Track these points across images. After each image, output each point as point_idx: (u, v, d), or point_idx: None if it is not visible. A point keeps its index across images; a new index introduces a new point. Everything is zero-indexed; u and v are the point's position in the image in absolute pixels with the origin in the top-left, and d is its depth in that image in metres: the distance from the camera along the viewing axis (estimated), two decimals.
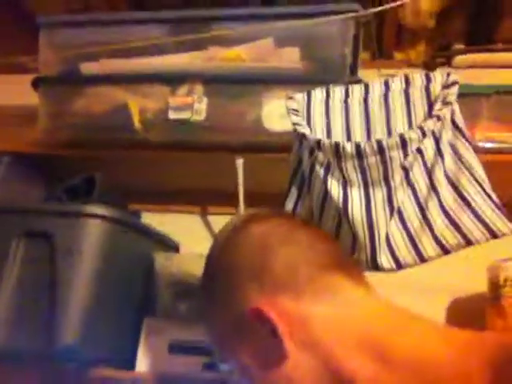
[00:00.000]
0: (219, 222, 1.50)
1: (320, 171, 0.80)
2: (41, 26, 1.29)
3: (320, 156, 0.79)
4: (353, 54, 1.19)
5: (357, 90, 0.84)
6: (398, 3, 1.17)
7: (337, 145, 0.77)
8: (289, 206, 0.89)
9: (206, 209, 1.48)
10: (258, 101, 1.17)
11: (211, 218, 1.48)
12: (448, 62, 1.38)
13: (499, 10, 1.33)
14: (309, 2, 1.24)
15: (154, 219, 1.42)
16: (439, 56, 1.35)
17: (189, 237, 1.44)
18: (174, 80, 1.23)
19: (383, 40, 1.53)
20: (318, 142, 0.79)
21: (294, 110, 0.85)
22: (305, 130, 0.82)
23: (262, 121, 1.17)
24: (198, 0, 1.43)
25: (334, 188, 0.78)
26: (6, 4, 1.58)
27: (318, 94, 0.87)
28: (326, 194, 0.81)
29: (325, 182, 0.80)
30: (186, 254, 1.37)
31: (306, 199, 0.87)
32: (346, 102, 0.83)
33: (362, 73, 1.25)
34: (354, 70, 1.15)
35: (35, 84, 1.31)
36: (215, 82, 1.20)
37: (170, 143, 1.25)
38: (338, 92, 0.86)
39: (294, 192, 0.89)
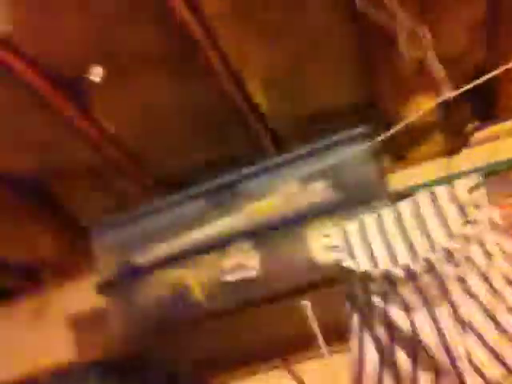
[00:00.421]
0: (304, 369, 1.50)
1: (378, 302, 0.79)
2: (92, 231, 1.42)
3: (374, 287, 0.79)
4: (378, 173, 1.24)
5: (388, 213, 0.86)
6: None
7: (387, 272, 0.76)
8: (353, 345, 0.85)
9: (287, 361, 1.45)
10: (304, 240, 1.21)
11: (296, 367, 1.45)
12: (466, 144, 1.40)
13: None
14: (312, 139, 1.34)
15: None
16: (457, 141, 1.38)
17: None
18: (220, 245, 1.29)
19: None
20: (369, 274, 0.79)
21: (334, 246, 0.87)
22: (351, 264, 0.82)
23: (313, 257, 1.20)
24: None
25: (399, 317, 0.76)
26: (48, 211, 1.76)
27: (353, 225, 0.88)
28: (390, 324, 0.78)
29: (386, 312, 0.78)
30: None
31: (369, 335, 0.83)
32: (381, 226, 0.85)
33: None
34: (381, 188, 1.19)
35: (100, 291, 1.39)
36: (260, 236, 1.25)
37: (232, 306, 1.28)
38: (370, 219, 0.87)
39: (355, 329, 0.85)
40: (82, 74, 1.22)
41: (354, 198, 1.18)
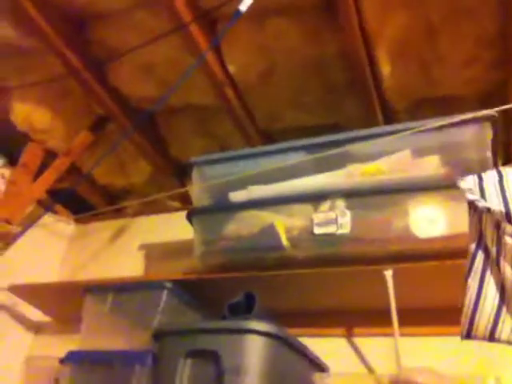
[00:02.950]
0: (365, 343, 1.50)
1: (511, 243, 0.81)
2: (194, 164, 1.47)
3: (508, 228, 0.81)
4: (493, 158, 1.21)
5: None
6: None
7: None
8: (473, 283, 0.87)
9: (351, 330, 1.44)
10: (404, 210, 1.20)
11: (357, 340, 1.43)
12: None
13: None
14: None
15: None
16: None
17: (335, 359, 1.40)
18: (316, 198, 1.31)
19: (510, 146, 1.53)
20: (508, 214, 0.81)
21: (469, 189, 0.88)
22: (488, 204, 0.84)
23: (410, 229, 1.18)
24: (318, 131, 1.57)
25: None
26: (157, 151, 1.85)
27: (490, 175, 0.89)
28: None
29: None
30: (340, 375, 1.32)
31: (493, 273, 0.86)
32: None
33: None
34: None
35: (189, 216, 1.46)
36: (357, 196, 1.25)
37: (317, 258, 1.29)
38: (510, 172, 0.87)
39: (477, 267, 0.87)
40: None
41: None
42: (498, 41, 1.32)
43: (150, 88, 1.61)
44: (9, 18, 1.43)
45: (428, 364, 1.28)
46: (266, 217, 1.34)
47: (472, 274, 0.87)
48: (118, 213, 2.10)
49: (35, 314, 1.87)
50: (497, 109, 1.09)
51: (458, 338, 1.28)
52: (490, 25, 1.29)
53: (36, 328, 1.91)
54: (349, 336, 1.44)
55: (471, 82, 1.40)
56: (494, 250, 0.84)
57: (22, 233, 1.68)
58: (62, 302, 1.72)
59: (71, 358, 1.35)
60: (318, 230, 1.26)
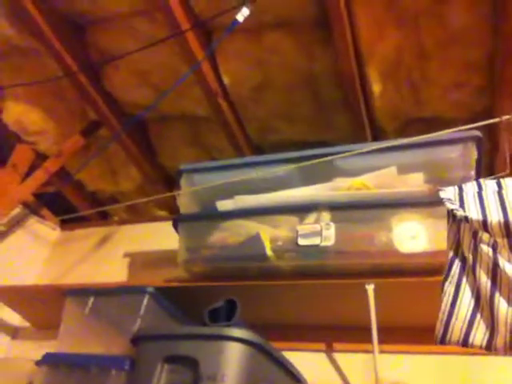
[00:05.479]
0: (344, 359, 1.49)
1: (487, 251, 0.83)
2: (183, 172, 1.48)
3: (485, 236, 0.83)
4: (476, 177, 1.23)
5: (510, 183, 0.89)
6: None
7: (507, 223, 0.81)
8: (449, 289, 0.89)
9: (331, 345, 1.43)
10: (387, 224, 1.21)
11: (336, 356, 1.42)
12: None
13: None
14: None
15: None
16: None
17: (314, 373, 1.39)
18: (301, 210, 1.32)
19: (495, 168, 1.56)
20: (485, 223, 0.83)
21: (448, 199, 0.91)
22: (466, 213, 0.87)
23: (393, 243, 1.19)
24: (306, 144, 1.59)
25: (508, 268, 0.81)
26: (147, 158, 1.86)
27: (470, 186, 0.92)
28: (495, 272, 0.83)
29: (495, 261, 0.82)
30: None
31: (469, 280, 0.88)
32: (499, 193, 0.87)
33: None
34: None
35: (175, 223, 1.46)
36: (343, 209, 1.27)
37: (300, 270, 1.29)
38: (490, 184, 0.91)
39: (454, 274, 0.89)
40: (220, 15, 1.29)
41: None
42: (486, 67, 1.36)
43: (145, 94, 1.63)
44: (8, 16, 1.45)
45: (406, 381, 1.29)
46: (251, 226, 1.34)
47: (449, 280, 0.89)
48: (105, 220, 2.10)
49: (13, 318, 1.84)
50: (477, 124, 1.11)
51: (437, 357, 1.30)
52: (478, 51, 1.33)
53: (13, 332, 1.88)
54: (328, 351, 1.43)
55: (458, 106, 1.44)
56: (470, 258, 0.87)
57: (5, 233, 1.66)
58: (42, 306, 1.69)
59: (47, 360, 1.32)
60: (302, 242, 1.27)
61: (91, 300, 1.38)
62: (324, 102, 1.53)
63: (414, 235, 1.17)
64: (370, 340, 1.21)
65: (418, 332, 1.26)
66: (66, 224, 2.12)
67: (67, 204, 2.10)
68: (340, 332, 1.40)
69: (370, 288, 1.22)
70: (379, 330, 1.20)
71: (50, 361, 1.31)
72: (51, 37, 1.49)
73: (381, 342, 1.21)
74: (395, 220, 1.21)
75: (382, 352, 1.22)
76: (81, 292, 1.43)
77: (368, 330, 1.21)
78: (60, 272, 1.99)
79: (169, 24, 1.38)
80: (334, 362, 1.42)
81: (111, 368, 1.21)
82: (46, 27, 1.47)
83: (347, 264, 1.24)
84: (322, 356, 1.43)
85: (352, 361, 1.39)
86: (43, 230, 2.10)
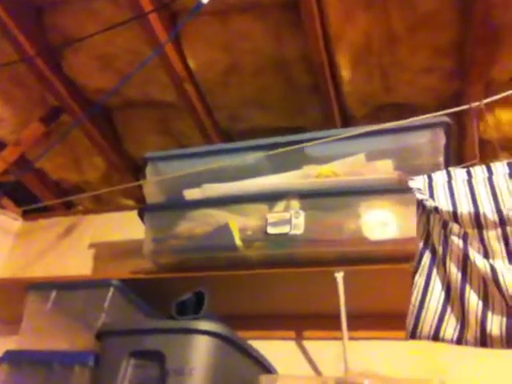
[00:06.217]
0: (315, 346, 1.49)
1: (458, 242, 0.82)
2: (149, 160, 1.43)
3: (455, 227, 0.82)
4: (445, 164, 1.22)
5: (479, 171, 0.88)
6: None
7: (477, 214, 0.79)
8: (419, 281, 0.88)
9: (301, 333, 1.42)
10: (356, 212, 1.20)
11: (307, 343, 1.42)
12: None
13: None
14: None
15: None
16: None
17: (284, 362, 1.38)
18: (271, 198, 1.29)
19: (464, 155, 1.56)
20: (455, 214, 0.81)
21: (418, 189, 0.90)
22: (436, 204, 0.85)
23: (362, 231, 1.18)
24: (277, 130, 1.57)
25: (478, 260, 0.79)
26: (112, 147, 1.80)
27: (439, 175, 0.90)
28: (466, 264, 0.81)
29: (465, 253, 0.81)
30: (287, 377, 1.30)
31: (439, 272, 0.86)
32: (469, 182, 0.86)
33: None
34: None
35: (141, 213, 1.41)
36: (312, 197, 1.24)
37: (270, 259, 1.27)
38: (459, 173, 0.89)
39: (424, 266, 0.88)
40: None
41: None
42: (456, 52, 1.35)
43: (108, 79, 1.56)
44: None
45: (376, 367, 1.29)
46: (220, 216, 1.31)
47: (419, 272, 0.88)
48: (69, 210, 2.03)
49: None
50: (447, 111, 1.10)
51: (406, 343, 1.30)
52: (447, 35, 1.32)
53: None
54: (299, 339, 1.42)
55: (428, 91, 1.43)
56: (440, 250, 0.85)
57: None
58: (3, 301, 1.63)
59: (8, 358, 1.27)
60: (271, 230, 1.24)
61: (53, 294, 1.34)
62: (295, 87, 1.50)
63: (382, 222, 1.16)
64: (339, 327, 1.20)
65: (387, 318, 1.27)
66: (29, 214, 2.04)
67: (29, 194, 2.02)
68: (310, 320, 1.40)
69: (340, 276, 1.20)
70: (349, 317, 1.20)
71: (10, 359, 1.26)
72: (7, 19, 1.41)
73: (351, 328, 1.20)
74: (364, 207, 1.19)
75: (351, 339, 1.21)
76: (42, 286, 1.37)
77: (338, 317, 1.20)
78: (23, 264, 1.92)
79: (131, 5, 1.32)
80: (304, 350, 1.42)
81: (74, 364, 1.17)
82: (1, 9, 1.39)
83: (317, 252, 1.22)
84: (292, 344, 1.42)
85: (322, 348, 1.38)
86: (4, 221, 2.01)
